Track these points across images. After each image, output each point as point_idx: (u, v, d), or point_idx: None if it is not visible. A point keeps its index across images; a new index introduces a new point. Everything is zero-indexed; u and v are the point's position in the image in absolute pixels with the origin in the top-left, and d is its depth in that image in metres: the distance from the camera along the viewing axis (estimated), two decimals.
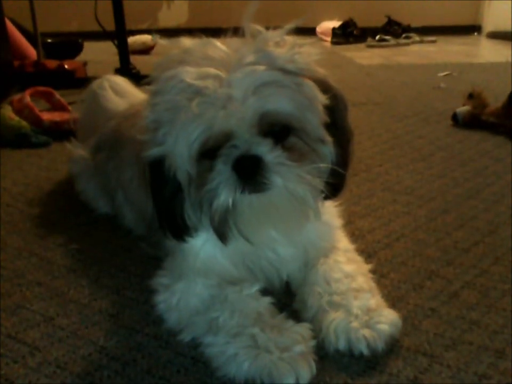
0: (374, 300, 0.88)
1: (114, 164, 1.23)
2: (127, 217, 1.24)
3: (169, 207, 0.86)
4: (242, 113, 0.75)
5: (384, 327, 0.83)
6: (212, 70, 0.76)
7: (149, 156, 0.83)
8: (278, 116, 0.77)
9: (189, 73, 0.76)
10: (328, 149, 0.83)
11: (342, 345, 0.82)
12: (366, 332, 0.82)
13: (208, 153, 0.78)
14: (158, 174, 0.84)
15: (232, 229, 0.81)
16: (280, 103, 0.76)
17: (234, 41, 0.81)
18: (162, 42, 0.85)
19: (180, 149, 0.78)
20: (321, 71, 0.84)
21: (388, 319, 0.84)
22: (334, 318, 0.84)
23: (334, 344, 0.83)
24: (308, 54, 0.82)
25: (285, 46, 0.80)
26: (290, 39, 0.82)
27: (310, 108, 0.79)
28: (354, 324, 0.83)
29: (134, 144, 1.12)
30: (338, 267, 0.93)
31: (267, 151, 0.76)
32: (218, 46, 0.80)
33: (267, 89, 0.75)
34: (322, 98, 0.81)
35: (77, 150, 1.45)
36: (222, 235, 0.82)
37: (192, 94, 0.75)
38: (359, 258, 1.01)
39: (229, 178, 0.76)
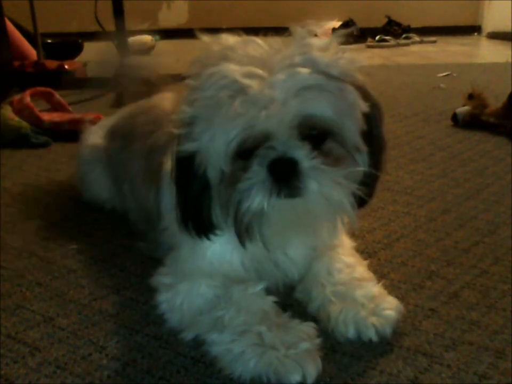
0: (376, 288, 0.90)
1: (125, 154, 1.23)
2: (132, 210, 1.25)
3: (196, 205, 0.85)
4: (283, 115, 0.74)
5: (391, 313, 0.86)
6: (256, 70, 0.75)
7: (181, 151, 0.82)
8: (318, 120, 0.76)
9: (234, 71, 0.76)
10: (363, 158, 0.82)
11: (351, 333, 0.85)
12: (374, 320, 0.84)
13: (244, 153, 0.77)
14: (186, 170, 0.83)
15: (255, 233, 0.80)
16: (321, 108, 0.76)
17: (276, 42, 0.80)
18: (205, 39, 0.84)
19: (217, 146, 0.77)
20: (361, 79, 0.83)
21: (392, 305, 0.87)
22: (342, 309, 0.86)
23: (343, 333, 0.85)
24: (351, 60, 0.82)
25: (328, 50, 0.80)
26: (334, 43, 0.81)
27: (350, 114, 0.79)
28: (363, 313, 0.85)
29: (145, 139, 1.13)
30: (339, 258, 0.95)
31: (304, 155, 0.75)
32: (261, 44, 0.79)
33: (309, 93, 0.75)
34: (363, 106, 0.80)
35: (90, 135, 1.43)
36: (244, 237, 0.81)
37: (234, 91, 0.74)
38: (357, 255, 1.02)
39: (265, 181, 0.76)
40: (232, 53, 0.79)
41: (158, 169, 1.00)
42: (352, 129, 0.79)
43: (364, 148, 0.82)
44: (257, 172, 0.76)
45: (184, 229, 0.87)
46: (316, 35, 0.82)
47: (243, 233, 0.80)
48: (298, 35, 0.80)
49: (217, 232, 0.87)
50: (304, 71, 0.75)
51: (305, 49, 0.78)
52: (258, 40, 0.80)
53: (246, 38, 0.82)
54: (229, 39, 0.83)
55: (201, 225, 0.86)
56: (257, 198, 0.76)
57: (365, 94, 0.82)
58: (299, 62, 0.76)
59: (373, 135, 0.84)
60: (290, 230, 0.85)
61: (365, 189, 0.82)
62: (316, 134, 0.78)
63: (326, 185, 0.76)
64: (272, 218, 0.78)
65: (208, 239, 0.87)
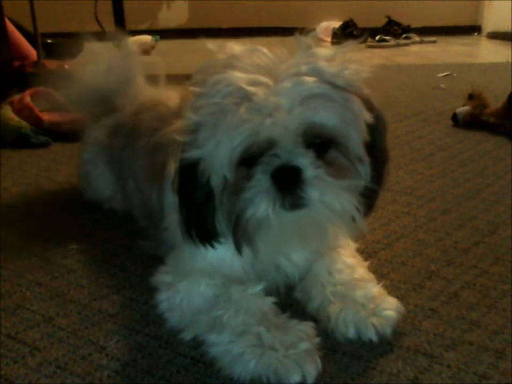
0: (376, 288, 0.91)
1: (129, 152, 1.22)
2: (135, 207, 1.25)
3: (199, 213, 0.84)
4: (288, 122, 0.74)
5: (391, 313, 0.86)
6: (261, 78, 0.76)
7: (185, 158, 0.82)
8: (323, 128, 0.76)
9: (239, 79, 0.76)
10: (365, 169, 0.82)
11: (351, 334, 0.85)
12: (374, 320, 0.85)
13: (248, 160, 0.77)
14: (189, 178, 0.83)
15: (253, 242, 0.80)
16: (326, 116, 0.76)
17: (281, 51, 0.81)
18: (211, 46, 0.84)
19: (221, 153, 0.77)
20: (365, 90, 0.83)
21: (392, 305, 0.87)
22: (342, 309, 0.86)
23: (343, 333, 0.85)
24: (357, 70, 0.82)
25: (334, 61, 0.80)
26: (340, 54, 0.81)
27: (354, 124, 0.79)
28: (363, 313, 0.85)
29: (150, 136, 1.13)
30: (340, 258, 0.95)
31: (308, 164, 0.76)
32: (266, 54, 0.80)
33: (314, 101, 0.75)
34: (367, 116, 0.80)
35: (93, 133, 1.42)
36: (242, 245, 0.81)
37: (239, 99, 0.75)
38: (359, 256, 1.02)
39: (268, 189, 0.76)
40: (238, 61, 0.79)
41: (162, 167, 1.00)
42: (356, 139, 0.80)
43: (367, 159, 0.82)
44: (261, 179, 0.76)
45: (188, 236, 0.87)
46: (318, 38, 0.82)
47: (242, 241, 0.80)
48: (304, 44, 0.81)
49: (221, 240, 0.87)
50: (310, 80, 0.75)
51: (311, 58, 0.79)
52: (264, 49, 0.80)
53: (251, 46, 0.82)
54: (234, 48, 0.83)
55: (204, 233, 0.86)
56: (262, 206, 0.76)
57: (370, 105, 0.82)
58: (305, 71, 0.77)
59: (375, 147, 0.84)
60: (293, 239, 0.86)
61: (366, 199, 0.82)
62: (320, 143, 0.78)
63: (329, 196, 0.76)
64: (276, 227, 0.78)
65: (212, 246, 0.87)
